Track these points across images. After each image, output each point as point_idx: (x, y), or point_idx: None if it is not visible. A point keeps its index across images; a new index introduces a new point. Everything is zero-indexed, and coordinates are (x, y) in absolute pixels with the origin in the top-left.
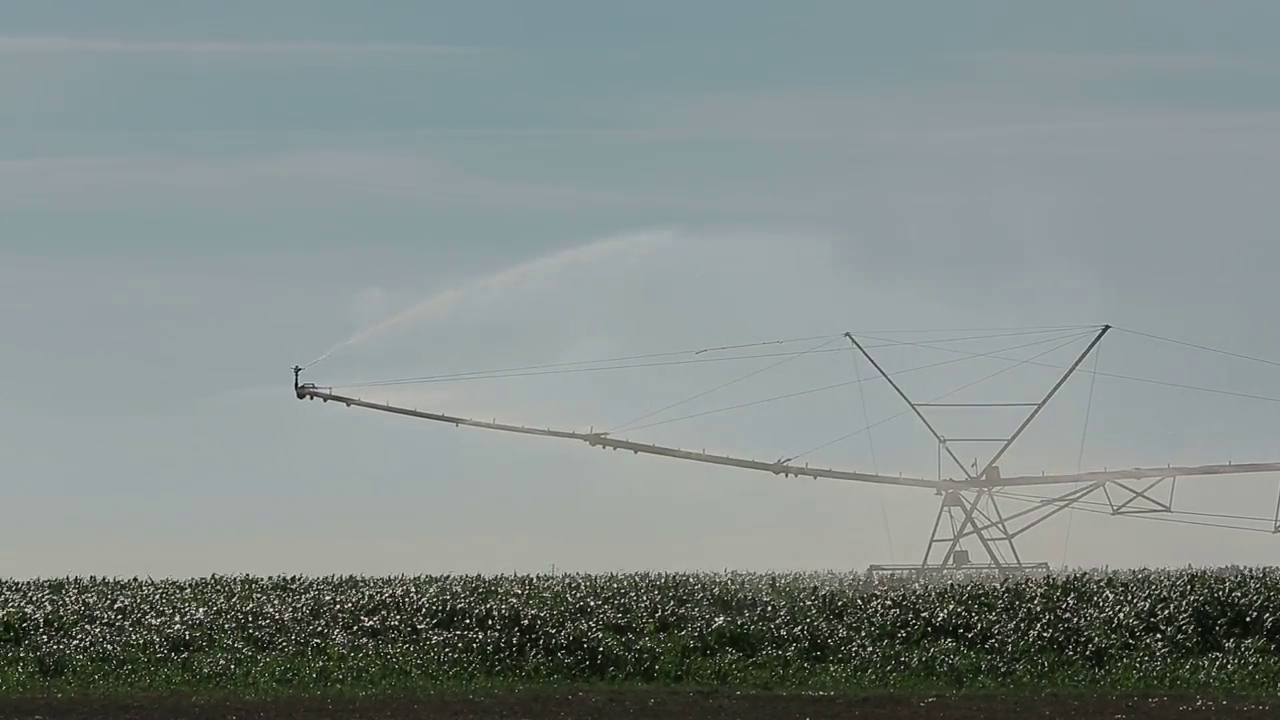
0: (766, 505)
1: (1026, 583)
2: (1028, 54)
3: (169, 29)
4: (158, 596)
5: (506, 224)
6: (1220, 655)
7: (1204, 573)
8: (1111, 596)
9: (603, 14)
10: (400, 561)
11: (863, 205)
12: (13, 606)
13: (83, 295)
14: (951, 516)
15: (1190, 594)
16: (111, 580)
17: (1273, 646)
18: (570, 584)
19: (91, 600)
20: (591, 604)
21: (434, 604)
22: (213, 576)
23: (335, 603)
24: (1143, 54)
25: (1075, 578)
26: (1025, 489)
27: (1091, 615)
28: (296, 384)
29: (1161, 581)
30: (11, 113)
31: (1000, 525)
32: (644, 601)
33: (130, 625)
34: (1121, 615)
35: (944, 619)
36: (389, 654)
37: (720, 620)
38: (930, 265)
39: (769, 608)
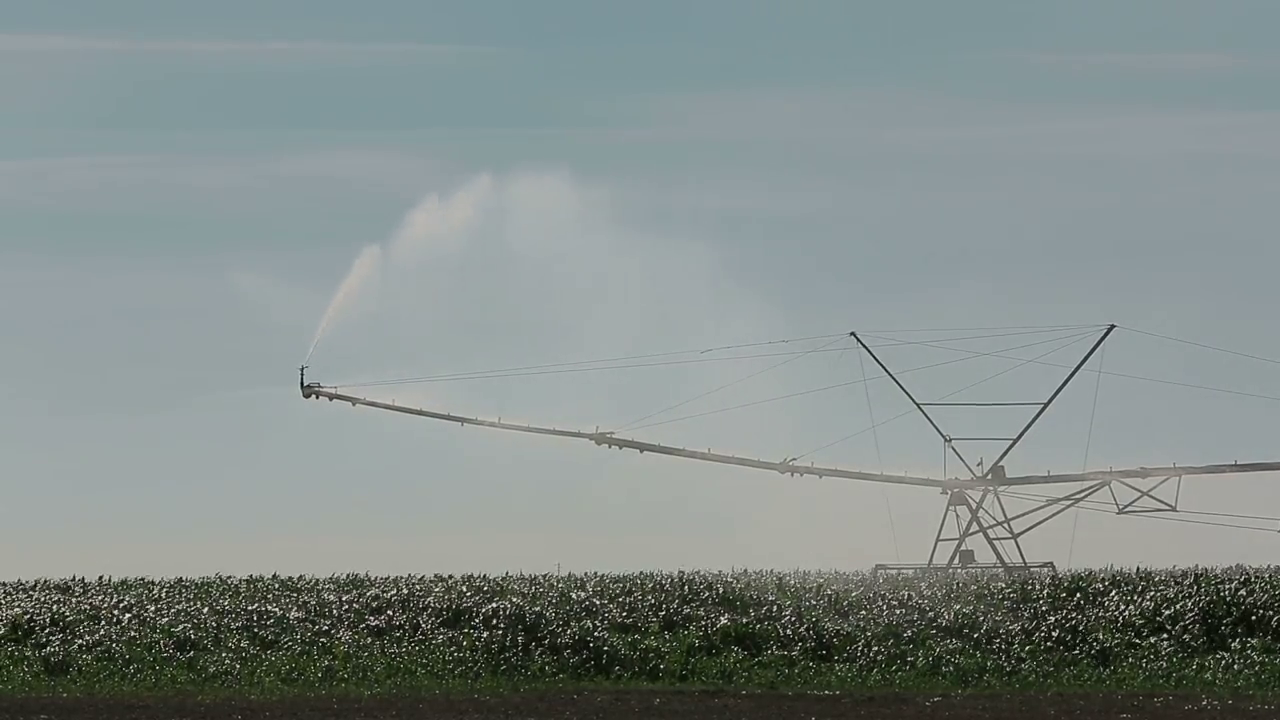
0: (772, 504)
1: (1032, 582)
2: (1028, 54)
3: (171, 29)
4: (163, 596)
5: None
6: (1226, 655)
7: (1210, 572)
8: (1117, 596)
9: (606, 14)
10: (405, 561)
11: (867, 204)
12: (19, 606)
13: (83, 295)
14: (957, 516)
15: (1196, 593)
16: (117, 580)
17: (1278, 646)
18: (575, 583)
19: (97, 600)
20: (596, 603)
21: (439, 603)
22: (218, 576)
23: (340, 602)
24: (1143, 54)
25: (1081, 577)
26: (1031, 488)
27: (1097, 615)
28: (302, 383)
29: (1167, 581)
30: (13, 112)
31: (1006, 524)
32: (649, 601)
33: (135, 625)
34: (1127, 615)
35: (949, 618)
36: (394, 653)
37: (725, 619)
38: (935, 264)
39: (774, 607)
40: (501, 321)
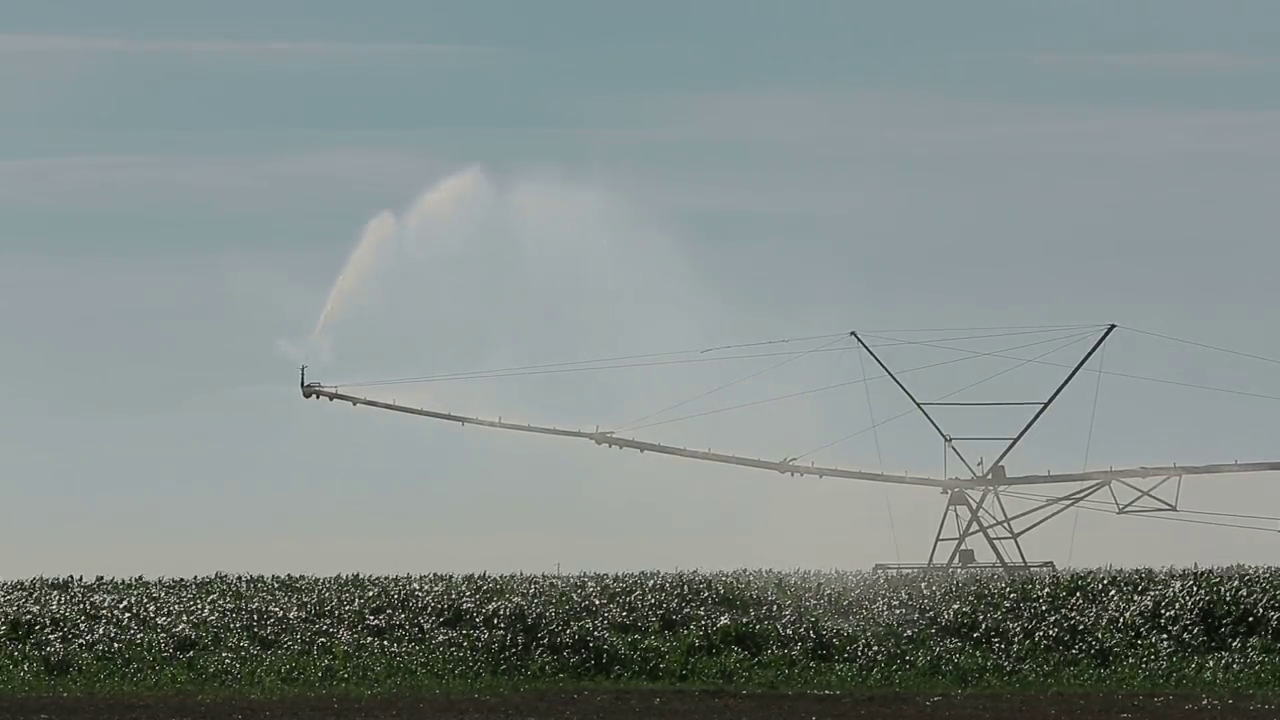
0: (772, 504)
1: (1032, 582)
2: (1028, 54)
3: (171, 29)
4: (163, 595)
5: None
6: (1225, 654)
7: (1209, 572)
8: (1117, 596)
9: (606, 14)
10: (405, 560)
11: (868, 204)
12: (19, 606)
13: (83, 295)
14: (957, 515)
15: (1196, 593)
16: (117, 580)
17: (1278, 645)
18: (575, 583)
19: (97, 600)
20: (596, 603)
21: (439, 603)
22: (218, 575)
23: (341, 602)
24: (1143, 54)
25: (1081, 577)
26: (1031, 488)
27: (1097, 614)
28: (303, 382)
29: (1167, 581)
30: (13, 112)
31: (1006, 524)
32: (649, 600)
33: (135, 624)
34: (1127, 614)
35: (950, 618)
36: (394, 653)
37: (725, 619)
38: (935, 264)
39: (774, 607)
40: (502, 321)
